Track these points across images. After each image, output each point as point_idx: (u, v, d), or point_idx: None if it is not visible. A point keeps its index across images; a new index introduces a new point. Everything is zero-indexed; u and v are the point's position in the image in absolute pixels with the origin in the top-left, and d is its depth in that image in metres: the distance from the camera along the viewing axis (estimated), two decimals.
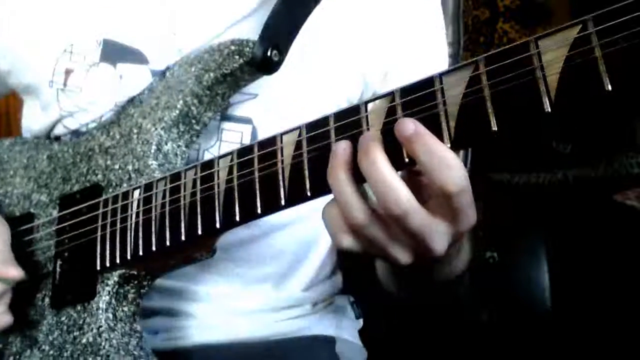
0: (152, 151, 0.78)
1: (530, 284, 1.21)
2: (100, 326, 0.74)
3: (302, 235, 0.90)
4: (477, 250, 0.76)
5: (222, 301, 0.87)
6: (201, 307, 0.87)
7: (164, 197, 0.72)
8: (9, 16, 0.88)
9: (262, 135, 0.82)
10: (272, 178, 0.65)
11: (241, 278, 0.88)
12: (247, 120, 0.83)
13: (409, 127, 0.56)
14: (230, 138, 0.83)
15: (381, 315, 1.05)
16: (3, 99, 1.04)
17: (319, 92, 0.83)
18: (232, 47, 0.78)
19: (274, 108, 0.82)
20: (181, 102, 0.79)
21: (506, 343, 1.18)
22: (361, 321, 1.02)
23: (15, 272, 0.78)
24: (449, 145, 0.57)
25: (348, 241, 0.59)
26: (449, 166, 0.55)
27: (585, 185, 1.69)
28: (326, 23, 0.81)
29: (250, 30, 0.80)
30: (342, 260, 1.00)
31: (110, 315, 0.75)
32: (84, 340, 0.75)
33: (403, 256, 0.59)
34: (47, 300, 0.80)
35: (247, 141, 0.82)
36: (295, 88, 0.82)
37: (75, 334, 0.76)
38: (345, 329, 0.95)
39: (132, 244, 0.73)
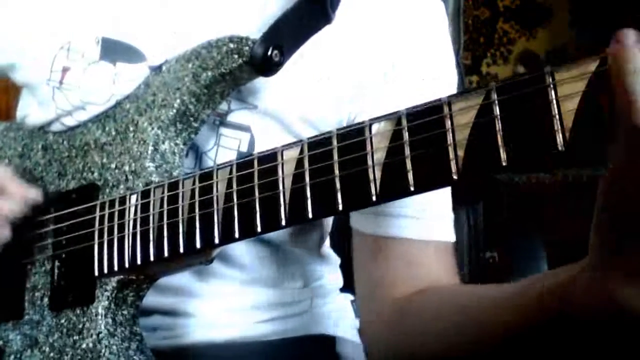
0: (149, 152, 0.76)
1: None
2: (100, 332, 0.74)
3: (298, 235, 0.89)
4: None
5: (220, 299, 0.86)
6: (200, 305, 0.86)
7: (161, 206, 0.71)
8: (4, 14, 0.85)
9: (259, 144, 0.80)
10: (273, 198, 0.63)
11: (237, 279, 0.87)
12: (246, 128, 0.80)
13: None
14: (228, 144, 0.80)
15: None
16: (3, 95, 1.02)
17: (318, 105, 0.80)
18: (231, 45, 0.75)
19: (274, 119, 0.80)
20: (178, 100, 0.76)
21: None
22: None
23: (35, 192, 0.77)
24: (456, 177, 0.55)
25: None
26: None
27: (585, 185, 1.66)
28: (329, 36, 0.78)
29: (250, 31, 0.76)
30: (342, 258, 0.99)
31: (110, 321, 0.74)
32: (84, 346, 0.74)
33: None
34: (45, 300, 0.79)
35: (244, 149, 0.80)
36: (295, 100, 0.80)
37: (75, 337, 0.75)
38: (345, 328, 0.94)
39: (130, 253, 0.72)
